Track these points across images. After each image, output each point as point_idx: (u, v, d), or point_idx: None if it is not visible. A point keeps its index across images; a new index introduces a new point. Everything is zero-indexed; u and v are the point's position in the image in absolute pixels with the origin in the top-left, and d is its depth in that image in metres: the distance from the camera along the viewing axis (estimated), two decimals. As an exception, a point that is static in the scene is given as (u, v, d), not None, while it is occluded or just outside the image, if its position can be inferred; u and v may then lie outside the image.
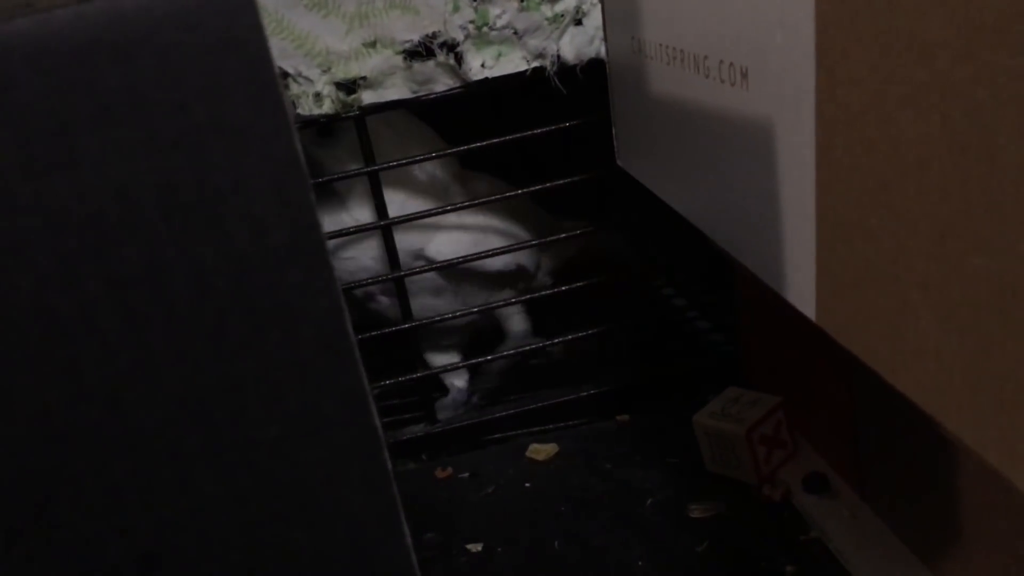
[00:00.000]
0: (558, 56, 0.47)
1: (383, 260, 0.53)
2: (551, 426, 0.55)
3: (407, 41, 0.46)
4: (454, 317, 0.54)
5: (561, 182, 0.52)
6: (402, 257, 0.53)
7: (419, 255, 0.54)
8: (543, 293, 0.56)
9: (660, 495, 0.47)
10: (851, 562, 0.39)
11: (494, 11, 0.46)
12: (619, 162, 0.46)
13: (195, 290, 0.19)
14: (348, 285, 0.53)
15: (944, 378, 0.20)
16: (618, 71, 0.43)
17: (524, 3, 0.46)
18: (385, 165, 0.50)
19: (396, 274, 0.52)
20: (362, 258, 0.53)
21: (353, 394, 0.20)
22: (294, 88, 0.47)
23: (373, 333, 0.54)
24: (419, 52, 0.46)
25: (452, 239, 0.54)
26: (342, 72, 0.47)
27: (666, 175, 0.38)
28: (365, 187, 0.51)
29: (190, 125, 0.18)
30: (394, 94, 0.48)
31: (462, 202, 0.52)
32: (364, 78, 0.47)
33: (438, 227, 0.54)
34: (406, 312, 0.54)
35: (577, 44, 0.47)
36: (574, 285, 0.55)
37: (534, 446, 0.52)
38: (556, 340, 0.55)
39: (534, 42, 0.47)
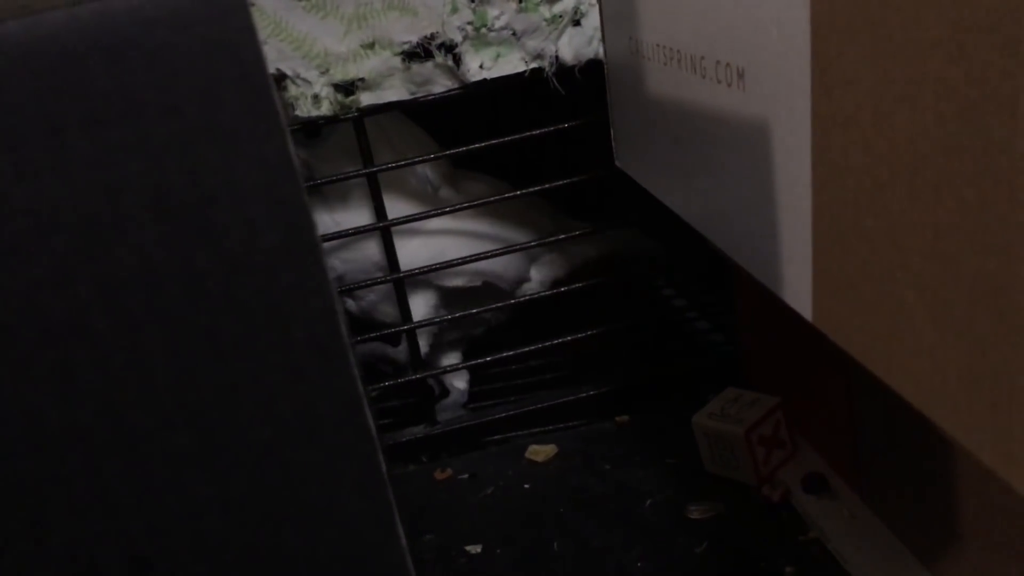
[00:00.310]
0: (556, 57, 0.47)
1: (353, 262, 0.53)
2: (550, 427, 0.55)
3: (405, 42, 0.46)
4: (428, 323, 0.54)
5: (560, 183, 0.52)
6: (362, 265, 0.52)
7: (379, 266, 0.53)
8: (541, 294, 0.56)
9: (659, 496, 0.46)
10: (850, 563, 0.39)
11: (492, 12, 0.46)
12: (617, 163, 0.46)
13: (187, 292, 0.19)
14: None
15: (939, 378, 0.20)
16: (616, 72, 0.43)
17: (522, 4, 0.46)
18: (384, 166, 0.50)
19: (370, 280, 0.52)
20: (331, 260, 0.53)
21: (346, 396, 0.20)
22: (292, 90, 0.47)
23: (372, 335, 0.54)
24: (417, 53, 0.46)
25: (413, 248, 0.53)
26: (340, 74, 0.47)
27: (663, 176, 0.38)
28: (348, 189, 0.51)
29: (182, 127, 0.18)
30: (392, 95, 0.48)
31: (453, 205, 0.52)
32: (362, 79, 0.47)
33: (414, 233, 0.53)
34: (406, 314, 0.54)
35: (575, 45, 0.47)
36: (573, 286, 0.55)
37: (533, 447, 0.52)
38: (556, 340, 0.55)
39: (532, 43, 0.47)
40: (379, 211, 0.51)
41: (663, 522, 0.44)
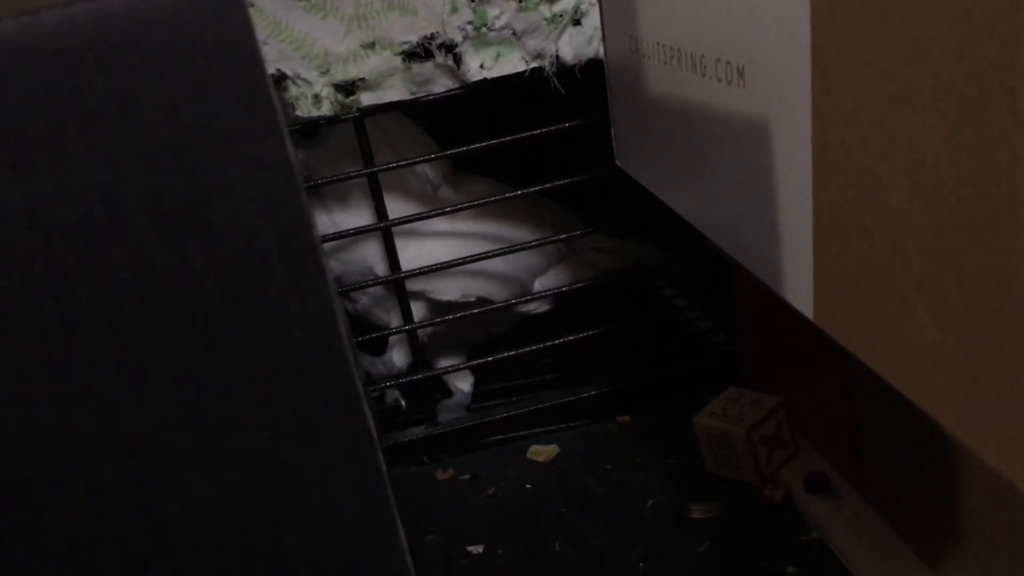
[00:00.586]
0: (557, 56, 0.47)
1: (349, 264, 0.52)
2: (552, 427, 0.55)
3: (406, 42, 0.46)
4: (421, 326, 0.54)
5: (560, 183, 0.52)
6: (358, 267, 0.52)
7: (374, 270, 0.53)
8: (541, 294, 0.56)
9: (661, 496, 0.46)
10: (852, 562, 0.39)
11: (492, 12, 0.46)
12: (618, 162, 0.46)
13: (184, 292, 0.19)
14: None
15: (941, 377, 0.20)
16: (616, 71, 0.43)
17: (522, 3, 0.46)
18: (384, 166, 0.50)
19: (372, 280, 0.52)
20: (329, 261, 0.53)
21: (345, 396, 0.20)
22: (293, 90, 0.47)
23: (373, 335, 0.54)
24: (418, 53, 0.46)
25: (411, 254, 0.52)
26: (341, 74, 0.47)
27: (664, 175, 0.38)
28: (347, 190, 0.51)
29: (179, 127, 0.18)
30: (393, 95, 0.47)
31: (453, 206, 0.52)
32: (363, 79, 0.47)
33: (412, 236, 0.53)
34: (406, 314, 0.53)
35: (576, 44, 0.47)
36: (574, 286, 0.55)
37: (535, 447, 0.52)
38: (557, 341, 0.54)
39: (533, 42, 0.47)
40: (380, 211, 0.51)
41: (665, 522, 0.44)
